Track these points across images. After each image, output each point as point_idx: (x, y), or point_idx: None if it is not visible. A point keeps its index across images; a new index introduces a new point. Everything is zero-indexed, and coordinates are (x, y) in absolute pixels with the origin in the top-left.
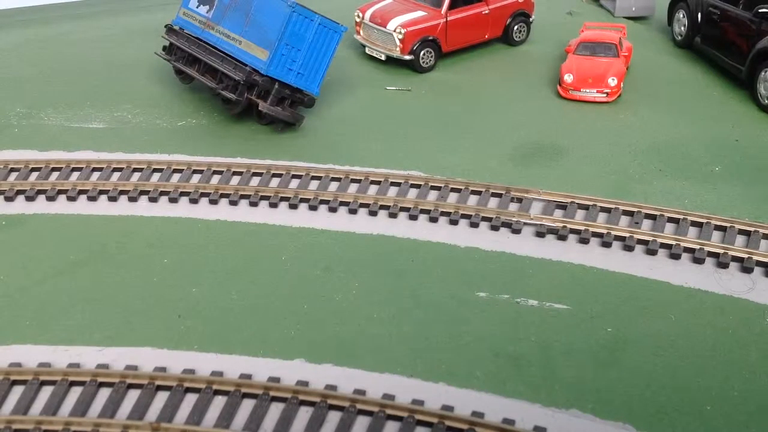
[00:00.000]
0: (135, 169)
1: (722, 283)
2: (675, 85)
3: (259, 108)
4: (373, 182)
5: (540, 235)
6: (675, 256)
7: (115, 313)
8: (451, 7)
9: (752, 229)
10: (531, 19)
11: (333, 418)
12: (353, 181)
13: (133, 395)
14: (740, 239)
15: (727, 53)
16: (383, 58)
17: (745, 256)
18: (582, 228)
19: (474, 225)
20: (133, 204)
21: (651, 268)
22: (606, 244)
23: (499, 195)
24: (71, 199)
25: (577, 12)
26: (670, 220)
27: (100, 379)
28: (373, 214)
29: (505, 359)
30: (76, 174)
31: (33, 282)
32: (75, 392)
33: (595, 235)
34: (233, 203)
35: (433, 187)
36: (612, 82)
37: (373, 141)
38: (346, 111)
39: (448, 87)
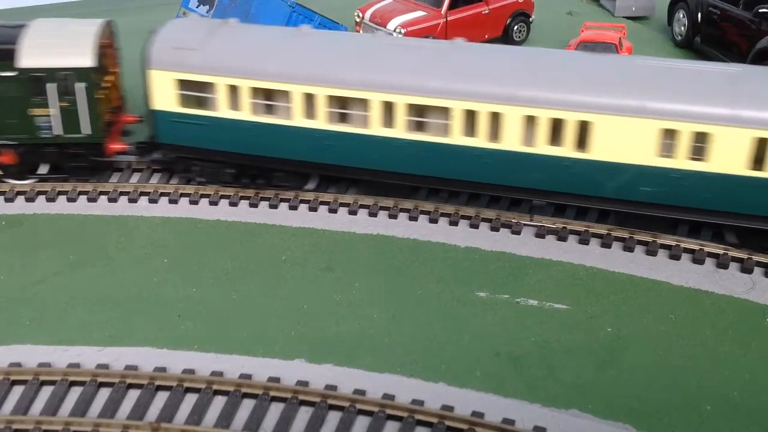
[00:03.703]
0: (135, 170)
1: (722, 283)
2: None
3: None
4: None
5: (540, 236)
6: (675, 257)
7: (115, 313)
8: (451, 7)
9: None
10: (531, 19)
11: (333, 418)
12: None
13: (133, 395)
14: None
15: (727, 53)
16: None
17: (745, 256)
18: (582, 229)
19: (474, 226)
20: (132, 204)
21: (651, 268)
22: (606, 245)
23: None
24: (71, 200)
25: (577, 12)
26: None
27: (100, 379)
28: (373, 215)
29: (505, 359)
30: None
31: (33, 282)
32: (75, 392)
33: (595, 235)
34: (233, 204)
35: None
36: None
37: None
38: None
39: None
